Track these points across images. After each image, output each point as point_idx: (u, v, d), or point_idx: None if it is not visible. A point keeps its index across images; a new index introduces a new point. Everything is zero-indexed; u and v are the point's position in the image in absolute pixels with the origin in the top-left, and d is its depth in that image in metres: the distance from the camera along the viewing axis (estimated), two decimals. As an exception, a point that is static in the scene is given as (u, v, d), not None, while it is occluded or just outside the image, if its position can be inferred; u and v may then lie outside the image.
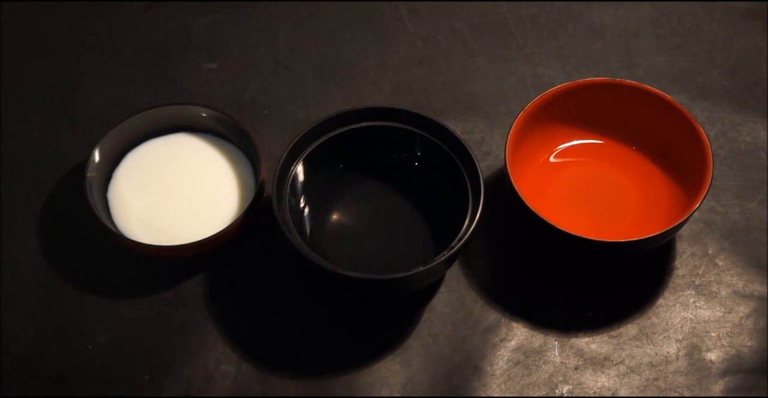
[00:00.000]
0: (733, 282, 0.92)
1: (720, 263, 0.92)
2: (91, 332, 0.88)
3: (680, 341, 0.89)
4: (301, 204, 0.91)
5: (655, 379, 0.88)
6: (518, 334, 0.89)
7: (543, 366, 0.88)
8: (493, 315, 0.90)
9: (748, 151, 0.98)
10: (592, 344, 0.89)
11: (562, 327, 0.89)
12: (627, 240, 0.85)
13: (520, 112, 0.90)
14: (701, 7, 1.06)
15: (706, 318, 0.90)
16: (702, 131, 0.89)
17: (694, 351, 0.89)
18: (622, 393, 0.87)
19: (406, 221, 0.91)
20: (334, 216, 0.91)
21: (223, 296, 0.90)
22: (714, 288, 0.91)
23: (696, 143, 0.89)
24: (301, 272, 0.91)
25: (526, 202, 0.85)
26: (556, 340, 0.89)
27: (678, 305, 0.91)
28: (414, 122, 0.90)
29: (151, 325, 0.89)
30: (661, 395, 0.87)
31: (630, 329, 0.89)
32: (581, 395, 0.87)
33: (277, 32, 1.04)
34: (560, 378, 0.88)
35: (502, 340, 0.89)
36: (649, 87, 0.91)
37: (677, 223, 0.85)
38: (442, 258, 0.83)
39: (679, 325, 0.90)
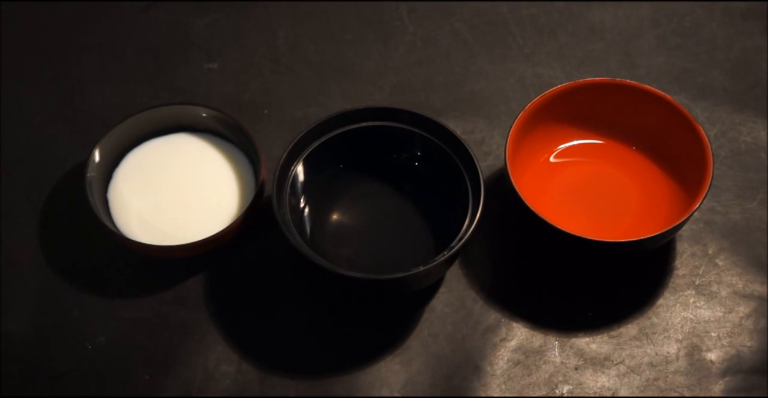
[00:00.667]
0: (733, 282, 0.92)
1: (720, 263, 0.92)
2: (91, 332, 0.88)
3: (680, 341, 0.89)
4: (301, 204, 0.91)
5: (655, 379, 0.88)
6: (518, 334, 0.89)
7: (543, 366, 0.88)
8: (493, 315, 0.90)
9: (748, 151, 0.98)
10: (592, 344, 0.89)
11: (562, 327, 0.89)
12: (627, 240, 0.85)
13: (520, 112, 0.90)
14: (701, 7, 1.06)
15: (706, 318, 0.90)
16: (702, 131, 0.89)
17: (694, 351, 0.89)
18: (622, 393, 0.87)
19: (406, 221, 0.91)
20: (334, 216, 0.91)
21: (223, 296, 0.90)
22: (714, 288, 0.91)
23: (696, 143, 0.89)
24: (301, 272, 0.91)
25: (526, 202, 0.85)
26: (556, 340, 0.89)
27: (678, 305, 0.91)
28: (414, 122, 0.90)
29: (151, 325, 0.89)
30: (661, 395, 0.87)
31: (630, 329, 0.89)
32: (581, 395, 0.87)
33: (277, 32, 1.04)
34: (560, 378, 0.88)
35: (502, 340, 0.89)
36: (649, 87, 0.91)
37: (677, 223, 0.85)
38: (442, 258, 0.83)
39: (679, 325, 0.90)
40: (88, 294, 0.90)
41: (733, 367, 0.88)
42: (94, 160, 0.89)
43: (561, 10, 1.06)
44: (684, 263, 0.92)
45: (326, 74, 1.02)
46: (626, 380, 0.88)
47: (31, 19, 1.04)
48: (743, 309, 0.90)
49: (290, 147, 0.88)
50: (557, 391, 0.87)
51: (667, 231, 0.85)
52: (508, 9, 1.06)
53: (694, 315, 0.90)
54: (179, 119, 0.93)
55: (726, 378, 0.88)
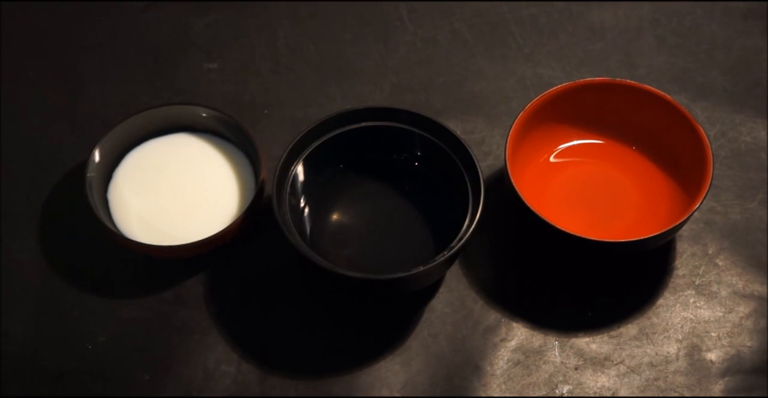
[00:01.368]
0: (733, 282, 0.92)
1: (720, 263, 0.92)
2: (91, 332, 0.88)
3: (680, 341, 0.89)
4: (301, 204, 0.91)
5: (655, 379, 0.88)
6: (518, 334, 0.89)
7: (543, 366, 0.88)
8: (493, 315, 0.90)
9: (748, 151, 0.98)
10: (592, 344, 0.89)
11: (562, 327, 0.89)
12: (627, 240, 0.85)
13: (520, 112, 0.90)
14: (701, 7, 1.06)
15: (706, 318, 0.90)
16: (702, 131, 0.89)
17: (694, 351, 0.89)
18: (622, 393, 0.87)
19: (406, 221, 0.91)
20: (334, 216, 0.91)
21: (223, 296, 0.90)
22: (714, 288, 0.91)
23: (696, 143, 0.89)
24: (301, 272, 0.91)
25: (526, 202, 0.85)
26: (556, 340, 0.89)
27: (678, 305, 0.91)
28: (414, 122, 0.90)
29: (151, 325, 0.89)
30: (661, 395, 0.87)
31: (630, 329, 0.89)
32: (581, 395, 0.87)
33: (277, 32, 1.04)
34: (560, 378, 0.88)
35: (502, 340, 0.89)
36: (649, 87, 0.91)
37: (677, 223, 0.85)
38: (442, 258, 0.83)
39: (679, 325, 0.90)
40: (88, 294, 0.90)
41: (733, 367, 0.88)
42: (94, 160, 0.89)
43: (561, 10, 1.06)
44: (684, 263, 0.92)
45: (326, 74, 1.02)
46: (626, 380, 0.88)
47: (31, 19, 1.04)
48: (743, 309, 0.90)
49: (290, 147, 0.88)
50: (557, 391, 0.87)
51: (667, 231, 0.85)
52: (508, 9, 1.06)
53: (694, 315, 0.90)
54: (179, 119, 0.93)
55: (726, 378, 0.88)
